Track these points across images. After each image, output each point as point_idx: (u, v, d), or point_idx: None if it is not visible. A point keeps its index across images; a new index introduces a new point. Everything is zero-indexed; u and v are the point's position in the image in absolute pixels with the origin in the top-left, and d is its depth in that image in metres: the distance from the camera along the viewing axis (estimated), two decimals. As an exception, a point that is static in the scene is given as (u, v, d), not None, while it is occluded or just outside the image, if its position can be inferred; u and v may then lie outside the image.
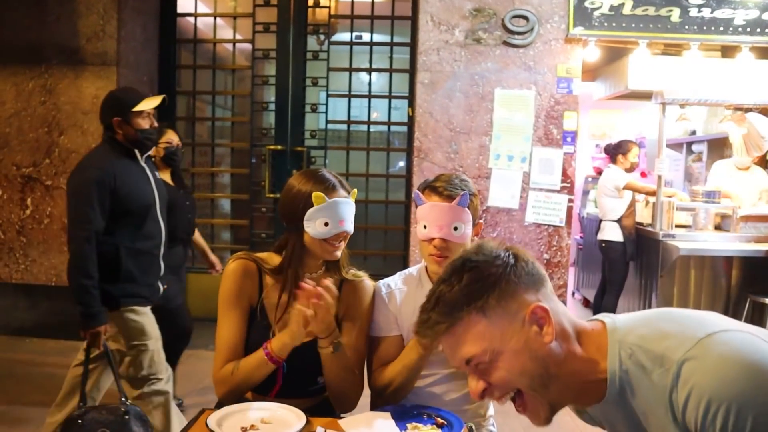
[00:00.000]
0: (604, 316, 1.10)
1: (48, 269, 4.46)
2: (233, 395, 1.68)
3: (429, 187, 1.75)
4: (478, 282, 1.03)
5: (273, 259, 1.79)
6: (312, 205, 1.65)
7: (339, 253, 1.73)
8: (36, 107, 4.42)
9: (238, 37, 5.07)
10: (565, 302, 4.37)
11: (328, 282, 1.59)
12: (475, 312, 1.02)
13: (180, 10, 5.03)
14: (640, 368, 1.00)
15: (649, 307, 4.34)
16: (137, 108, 2.60)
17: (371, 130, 5.01)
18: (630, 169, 5.30)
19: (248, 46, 5.00)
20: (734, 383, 0.89)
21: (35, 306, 4.49)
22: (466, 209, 1.70)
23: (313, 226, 1.65)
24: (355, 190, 1.75)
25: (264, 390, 1.71)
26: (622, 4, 4.33)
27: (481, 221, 1.78)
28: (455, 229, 1.68)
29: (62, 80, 4.39)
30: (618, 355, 1.03)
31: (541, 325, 1.02)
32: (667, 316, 1.06)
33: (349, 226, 1.70)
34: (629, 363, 1.02)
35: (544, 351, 1.02)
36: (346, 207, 1.69)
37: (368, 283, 1.82)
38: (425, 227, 1.70)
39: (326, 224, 1.65)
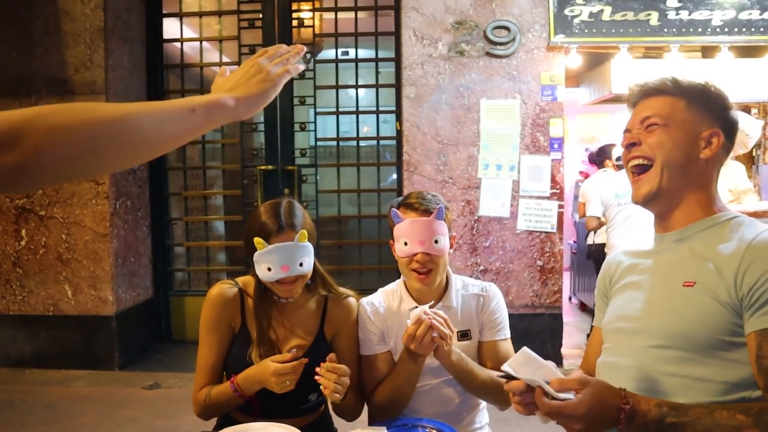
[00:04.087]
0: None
1: (45, 299, 4.47)
2: (209, 416, 1.75)
3: (404, 205, 1.77)
4: (701, 88, 1.34)
5: (253, 283, 1.80)
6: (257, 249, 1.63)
7: (296, 292, 1.71)
8: (27, 139, 4.43)
9: (224, 59, 5.11)
10: (560, 308, 4.39)
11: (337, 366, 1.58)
12: (685, 99, 1.33)
13: (166, 35, 5.08)
14: (737, 225, 1.28)
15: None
16: None
17: (361, 145, 5.05)
18: (619, 168, 5.34)
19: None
20: None
21: (34, 337, 4.49)
22: (443, 222, 1.73)
23: (259, 269, 1.65)
24: (304, 231, 1.67)
25: (247, 410, 1.73)
26: (602, 11, 4.39)
27: (454, 234, 1.82)
28: (436, 242, 1.71)
29: (52, 111, 4.42)
30: (731, 216, 1.31)
31: (708, 145, 1.30)
32: None
33: (296, 270, 1.64)
34: (732, 222, 1.29)
35: (694, 156, 1.30)
36: (290, 251, 1.63)
37: (351, 300, 1.86)
38: (406, 244, 1.72)
39: (269, 269, 1.63)
